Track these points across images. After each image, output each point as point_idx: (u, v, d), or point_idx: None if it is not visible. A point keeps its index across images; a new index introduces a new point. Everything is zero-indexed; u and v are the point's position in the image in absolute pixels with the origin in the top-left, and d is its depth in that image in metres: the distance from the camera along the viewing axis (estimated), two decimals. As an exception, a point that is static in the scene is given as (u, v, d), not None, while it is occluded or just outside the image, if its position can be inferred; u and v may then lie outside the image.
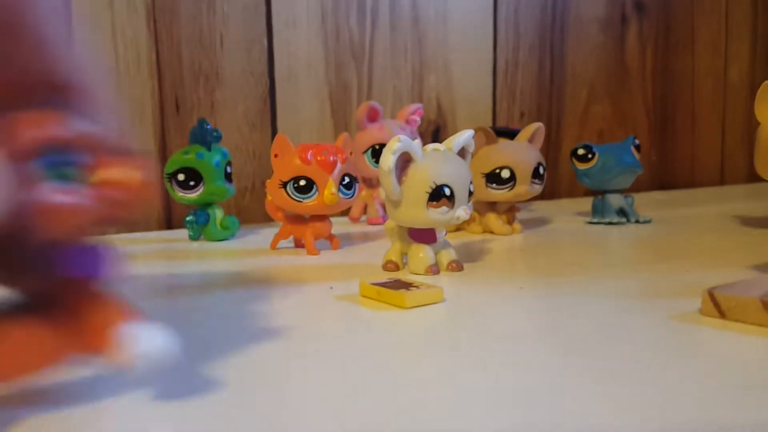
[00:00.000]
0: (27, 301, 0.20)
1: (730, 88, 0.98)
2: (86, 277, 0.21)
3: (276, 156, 0.46)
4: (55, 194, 0.19)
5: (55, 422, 0.21)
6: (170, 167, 0.54)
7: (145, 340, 0.20)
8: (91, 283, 0.21)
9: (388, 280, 0.35)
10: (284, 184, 0.45)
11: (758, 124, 0.51)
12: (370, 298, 0.34)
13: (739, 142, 0.99)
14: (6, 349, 0.19)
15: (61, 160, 0.19)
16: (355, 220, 0.64)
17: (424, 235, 0.40)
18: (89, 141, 0.21)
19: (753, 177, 0.98)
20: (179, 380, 0.24)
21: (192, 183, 0.53)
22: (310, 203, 0.46)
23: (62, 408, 0.21)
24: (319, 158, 0.45)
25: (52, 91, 0.22)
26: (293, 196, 0.45)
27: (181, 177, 0.53)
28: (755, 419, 0.20)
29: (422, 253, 0.40)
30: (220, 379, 0.24)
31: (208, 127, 0.54)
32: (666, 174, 0.94)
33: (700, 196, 0.85)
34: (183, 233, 0.58)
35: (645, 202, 0.73)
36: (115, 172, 0.20)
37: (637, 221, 0.60)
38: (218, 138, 0.54)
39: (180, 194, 0.54)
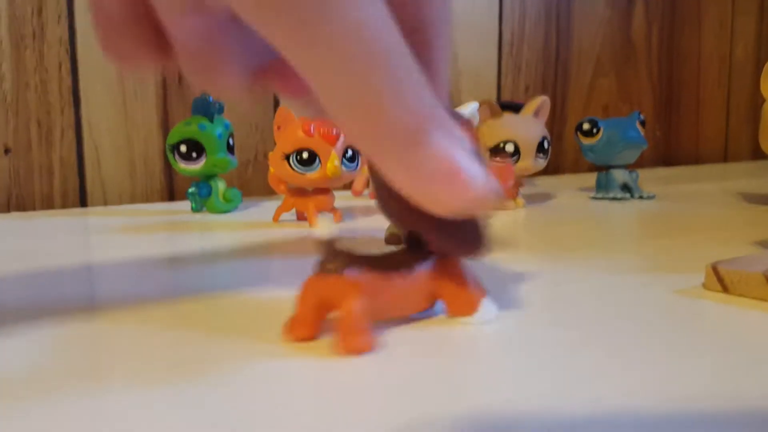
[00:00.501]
0: (410, 258, 0.26)
1: (735, 66, 0.97)
2: (465, 253, 0.25)
3: (278, 128, 0.46)
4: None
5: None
6: (172, 138, 0.54)
7: (488, 308, 0.26)
8: (465, 257, 0.26)
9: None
10: (287, 157, 0.45)
11: (763, 101, 0.51)
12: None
13: (743, 120, 0.99)
14: (390, 293, 0.25)
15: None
16: (358, 194, 0.64)
17: (428, 209, 0.40)
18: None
19: (757, 154, 0.97)
20: (180, 354, 0.24)
21: (194, 154, 0.53)
22: (312, 176, 0.45)
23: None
24: (322, 130, 0.45)
25: (414, 32, 0.22)
26: (296, 169, 0.45)
27: (183, 148, 0.53)
28: (758, 393, 0.20)
29: (425, 227, 0.40)
30: (216, 354, 0.24)
31: (211, 98, 0.54)
32: (670, 150, 0.94)
33: (703, 172, 0.85)
34: (185, 205, 0.58)
35: (649, 177, 0.73)
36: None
37: (641, 197, 0.60)
38: (221, 109, 0.54)
39: (182, 166, 0.54)
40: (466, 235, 0.25)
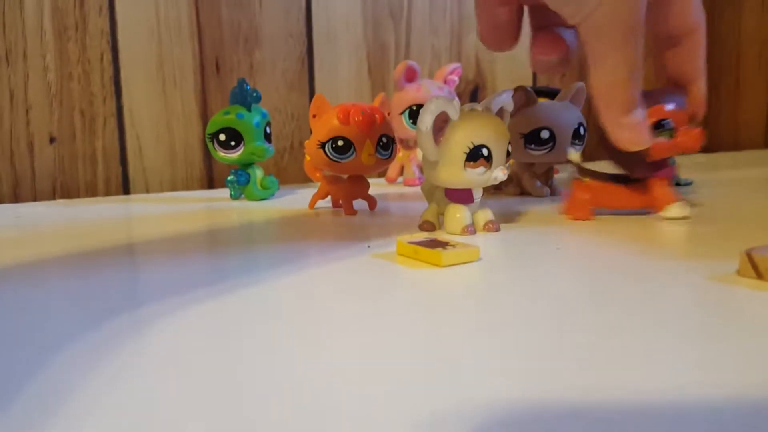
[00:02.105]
0: (621, 177, 0.45)
1: (779, 47, 0.95)
2: (661, 177, 0.44)
3: (314, 116, 0.47)
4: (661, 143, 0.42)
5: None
6: (211, 128, 0.55)
7: (681, 209, 0.44)
8: (661, 178, 0.44)
9: (425, 239, 0.35)
10: (322, 145, 0.46)
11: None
12: (407, 256, 0.35)
13: (787, 104, 0.96)
14: (608, 195, 0.45)
15: (665, 125, 0.42)
16: (392, 182, 0.65)
17: (461, 196, 0.41)
18: (677, 116, 0.42)
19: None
20: (206, 332, 0.25)
21: (233, 143, 0.54)
22: (347, 163, 0.46)
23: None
24: (357, 118, 0.45)
25: (683, 35, 0.43)
26: (331, 157, 0.46)
27: (222, 137, 0.54)
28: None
29: (459, 214, 0.41)
30: (256, 334, 0.25)
31: (248, 87, 0.55)
32: (709, 136, 0.92)
33: (743, 159, 0.83)
34: (224, 192, 0.59)
35: (686, 164, 0.72)
36: (685, 134, 0.42)
37: (677, 183, 0.60)
38: (258, 98, 0.55)
39: (221, 154, 0.55)
40: (639, 164, 0.43)
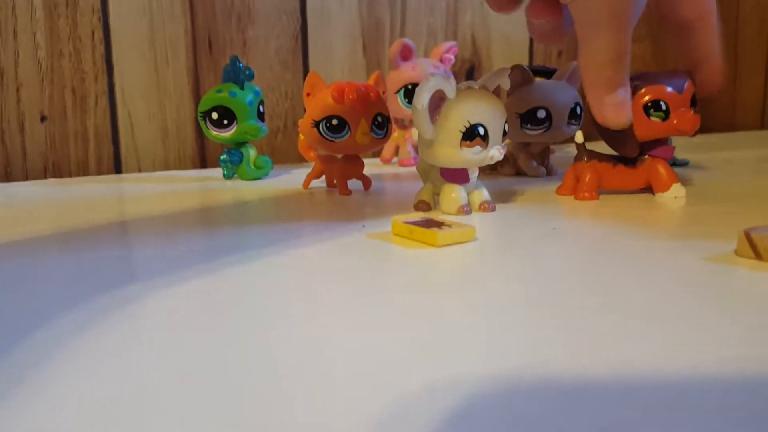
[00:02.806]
0: (621, 158, 0.45)
1: (777, 27, 0.94)
2: (660, 157, 0.44)
3: (308, 94, 0.46)
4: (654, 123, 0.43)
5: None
6: (204, 106, 0.54)
7: (678, 189, 0.44)
8: (660, 159, 0.44)
9: (420, 219, 0.35)
10: (316, 123, 0.45)
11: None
12: (402, 236, 0.34)
13: (784, 84, 0.96)
14: (608, 176, 0.44)
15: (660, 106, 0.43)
16: (387, 161, 0.64)
17: (457, 175, 0.40)
18: (673, 98, 0.43)
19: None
20: (204, 312, 0.24)
21: (225, 122, 0.53)
22: (342, 143, 0.46)
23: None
24: (351, 97, 0.45)
25: (697, 19, 0.43)
26: (325, 136, 0.45)
27: (214, 115, 0.54)
28: (788, 358, 0.20)
29: (454, 193, 0.40)
30: (249, 312, 0.24)
31: (241, 65, 0.54)
32: (705, 117, 0.91)
33: (740, 139, 0.83)
34: (217, 172, 0.59)
35: (682, 144, 0.71)
36: (680, 116, 0.43)
37: (674, 164, 0.59)
38: (251, 76, 0.54)
39: (214, 133, 0.54)
40: (630, 144, 0.43)
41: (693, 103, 0.43)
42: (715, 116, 0.93)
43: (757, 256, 0.28)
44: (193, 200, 0.48)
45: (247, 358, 0.20)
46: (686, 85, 0.43)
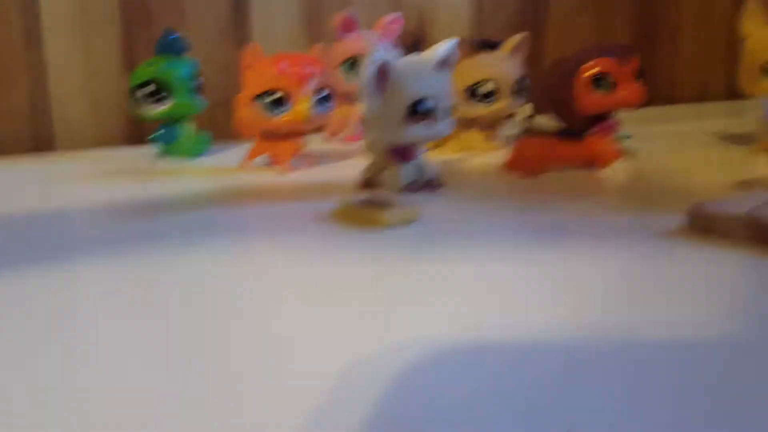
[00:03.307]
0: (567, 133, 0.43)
1: (715, 4, 0.95)
2: (605, 132, 0.43)
3: (247, 67, 0.44)
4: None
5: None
6: (135, 79, 0.51)
7: (621, 165, 0.44)
8: (604, 134, 0.43)
9: (365, 199, 0.34)
10: (256, 98, 0.43)
11: (741, 39, 0.50)
12: (347, 217, 0.33)
13: (721, 59, 0.98)
14: (554, 151, 0.43)
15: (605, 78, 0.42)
16: (333, 136, 0.62)
17: (404, 152, 0.39)
18: (619, 70, 0.42)
19: (732, 94, 0.97)
20: (154, 305, 0.23)
21: (159, 96, 0.51)
22: (284, 118, 0.44)
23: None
24: (293, 70, 0.43)
25: None
26: (266, 111, 0.43)
27: (147, 90, 0.51)
28: (728, 332, 0.19)
29: (401, 171, 0.39)
30: (192, 306, 0.23)
31: (175, 36, 0.51)
32: (647, 89, 0.92)
33: (680, 112, 0.84)
34: (152, 150, 0.56)
35: (624, 118, 0.72)
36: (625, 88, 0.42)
37: (616, 136, 0.59)
38: (186, 48, 0.52)
39: (146, 109, 0.52)
40: (579, 117, 0.43)
41: (637, 75, 0.43)
42: (654, 88, 0.94)
43: (708, 231, 0.28)
44: (127, 180, 0.46)
45: (204, 336, 0.19)
46: (630, 57, 0.43)
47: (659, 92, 0.94)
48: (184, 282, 0.25)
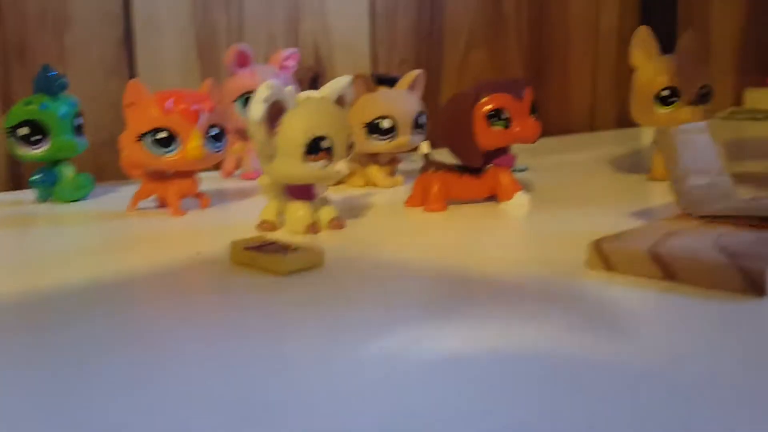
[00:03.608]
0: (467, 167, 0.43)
1: (601, 38, 1.00)
2: (503, 166, 0.43)
3: (130, 105, 0.41)
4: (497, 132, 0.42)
5: None
6: (11, 120, 0.47)
7: (521, 198, 0.43)
8: (503, 168, 0.43)
9: (264, 243, 0.32)
10: (141, 137, 0.41)
11: (628, 70, 0.52)
12: (243, 264, 0.31)
13: (609, 89, 1.02)
14: (455, 186, 0.43)
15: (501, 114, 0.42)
16: (229, 175, 0.60)
17: (302, 192, 0.38)
18: (515, 106, 0.43)
19: (621, 122, 1.01)
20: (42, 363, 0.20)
21: (36, 137, 0.47)
22: (172, 158, 0.41)
23: None
24: (181, 107, 0.40)
25: None
26: (152, 151, 0.41)
27: (23, 131, 0.47)
28: (638, 370, 0.19)
29: (301, 211, 0.37)
30: (67, 364, 0.20)
31: (53, 73, 0.48)
32: (541, 124, 0.95)
33: (573, 142, 0.87)
34: (32, 194, 0.52)
35: (520, 149, 0.74)
36: (521, 124, 0.43)
37: (513, 170, 0.60)
38: (64, 86, 0.48)
39: (23, 151, 0.48)
40: (475, 154, 0.43)
41: (533, 110, 0.44)
42: (548, 120, 0.97)
43: (609, 268, 0.28)
44: (1, 227, 0.42)
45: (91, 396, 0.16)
46: (525, 92, 0.43)
47: (552, 123, 0.97)
48: (64, 348, 0.22)
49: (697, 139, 0.33)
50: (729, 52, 1.05)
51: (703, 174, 0.32)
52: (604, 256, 0.28)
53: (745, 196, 0.34)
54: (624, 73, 1.02)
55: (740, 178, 0.34)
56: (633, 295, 0.25)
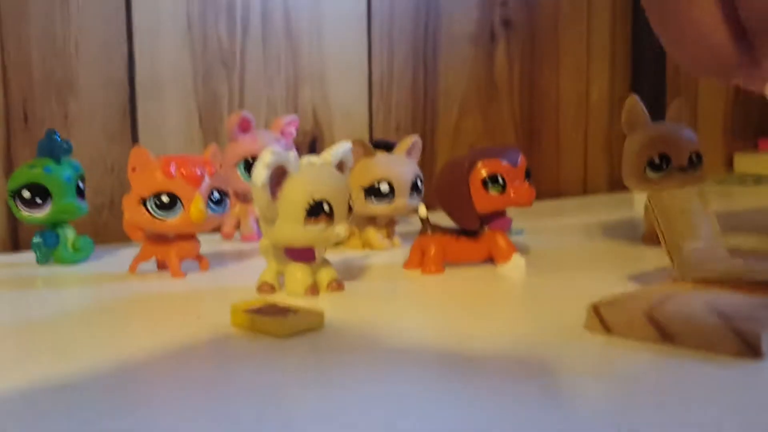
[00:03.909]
0: (463, 230, 0.44)
1: (592, 105, 1.03)
2: (499, 229, 0.44)
3: (134, 170, 0.42)
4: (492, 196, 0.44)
5: None
6: (14, 183, 0.48)
7: (518, 260, 0.43)
8: (499, 230, 0.44)
9: (264, 306, 0.32)
10: (144, 201, 0.41)
11: (618, 136, 0.53)
12: (244, 327, 0.31)
13: (599, 155, 1.04)
14: (452, 249, 0.44)
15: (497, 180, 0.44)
16: (228, 237, 0.60)
17: (302, 254, 0.38)
18: (510, 171, 0.44)
19: (613, 186, 1.03)
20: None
21: (39, 200, 0.48)
22: (174, 221, 0.42)
23: None
24: (183, 171, 0.41)
25: None
26: (155, 214, 0.41)
27: (26, 194, 0.48)
28: None
29: (300, 273, 0.38)
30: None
31: (58, 138, 0.49)
32: (535, 188, 0.97)
33: (565, 206, 0.88)
34: (31, 256, 0.52)
35: (516, 213, 0.75)
36: (516, 189, 0.44)
37: (509, 233, 0.61)
38: (68, 150, 0.49)
39: (25, 213, 0.48)
40: (470, 217, 0.43)
41: (527, 175, 0.45)
42: (541, 184, 0.98)
43: (607, 330, 0.28)
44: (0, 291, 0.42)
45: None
46: (520, 158, 0.44)
47: (544, 187, 0.99)
48: (56, 409, 0.22)
49: (690, 204, 0.33)
50: (718, 117, 1.08)
51: (697, 238, 0.33)
52: (603, 319, 0.28)
53: (738, 262, 0.34)
54: (614, 138, 1.04)
55: (731, 253, 0.35)
56: (630, 359, 0.26)
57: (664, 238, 0.31)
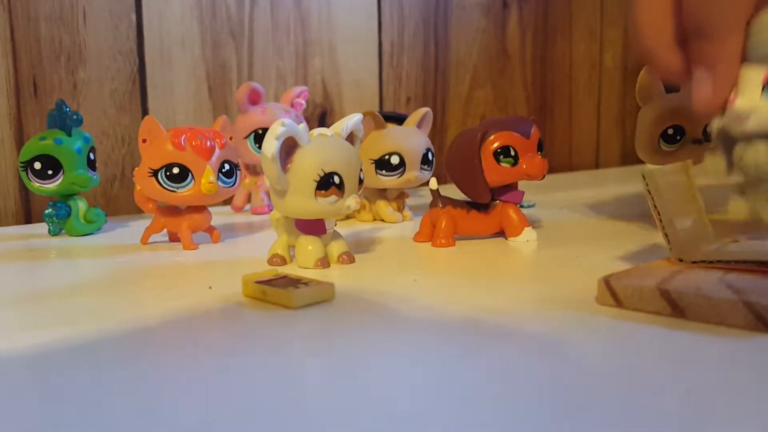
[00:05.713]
0: (474, 203, 0.44)
1: (605, 74, 1.01)
2: (511, 202, 0.44)
3: (144, 141, 0.42)
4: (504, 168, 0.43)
5: None
6: (25, 155, 0.48)
7: (529, 234, 0.44)
8: (511, 203, 0.44)
9: (275, 277, 0.32)
10: (155, 173, 0.41)
11: (632, 107, 0.53)
12: (255, 297, 0.31)
13: (613, 127, 1.03)
14: (463, 222, 0.44)
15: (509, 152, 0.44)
16: (238, 210, 0.61)
17: (313, 226, 0.38)
18: (522, 143, 0.43)
19: (626, 160, 1.02)
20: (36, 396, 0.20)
21: (50, 172, 0.48)
22: (185, 193, 0.42)
23: None
24: (194, 143, 0.41)
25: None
26: (166, 186, 0.41)
27: (37, 165, 0.48)
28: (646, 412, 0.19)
29: (311, 246, 0.38)
30: (82, 403, 0.20)
31: (67, 109, 0.49)
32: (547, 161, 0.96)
33: (578, 179, 0.88)
34: (43, 228, 0.52)
35: (527, 186, 0.74)
36: (529, 161, 0.44)
37: (521, 206, 0.60)
38: (79, 122, 0.49)
39: (37, 185, 0.48)
40: (481, 190, 0.43)
41: (540, 147, 0.44)
42: (553, 157, 0.98)
43: (618, 304, 0.28)
44: (14, 261, 0.42)
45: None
46: (533, 130, 0.44)
47: (557, 160, 0.98)
48: (72, 392, 0.22)
49: (678, 180, 0.33)
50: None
51: (688, 215, 0.32)
52: (614, 292, 0.28)
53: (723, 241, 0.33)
54: (628, 111, 1.03)
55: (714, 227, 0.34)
56: (641, 332, 0.26)
57: (658, 216, 0.31)
